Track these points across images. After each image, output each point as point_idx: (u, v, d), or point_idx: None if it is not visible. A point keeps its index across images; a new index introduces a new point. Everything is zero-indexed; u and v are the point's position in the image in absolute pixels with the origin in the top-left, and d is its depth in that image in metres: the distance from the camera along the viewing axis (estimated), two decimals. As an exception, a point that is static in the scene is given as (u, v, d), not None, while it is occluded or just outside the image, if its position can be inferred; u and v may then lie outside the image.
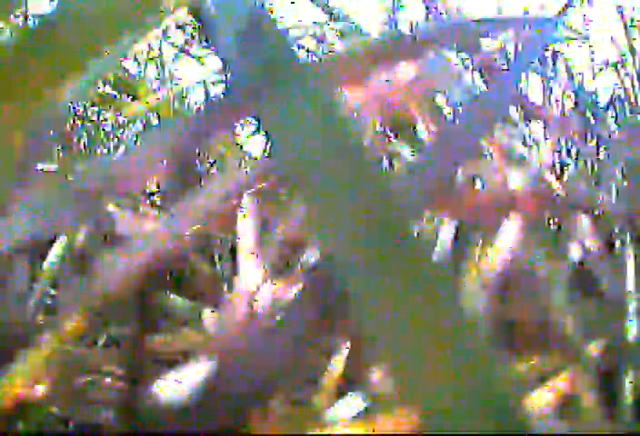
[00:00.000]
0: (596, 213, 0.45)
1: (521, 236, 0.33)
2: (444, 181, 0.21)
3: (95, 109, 0.90)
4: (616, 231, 0.44)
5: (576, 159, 0.73)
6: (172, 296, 0.41)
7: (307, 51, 0.77)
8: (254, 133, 0.79)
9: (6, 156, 0.20)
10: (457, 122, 0.25)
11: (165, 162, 0.19)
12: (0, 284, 0.38)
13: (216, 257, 0.55)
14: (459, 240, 0.35)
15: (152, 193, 0.67)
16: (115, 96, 0.79)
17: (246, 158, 0.66)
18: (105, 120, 0.91)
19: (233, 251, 0.54)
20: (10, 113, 0.19)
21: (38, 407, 0.34)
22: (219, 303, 0.36)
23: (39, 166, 0.45)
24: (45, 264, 0.42)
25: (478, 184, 0.38)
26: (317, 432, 0.28)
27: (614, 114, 0.79)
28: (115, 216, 0.41)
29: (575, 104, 0.76)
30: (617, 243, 0.44)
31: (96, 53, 0.20)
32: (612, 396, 0.33)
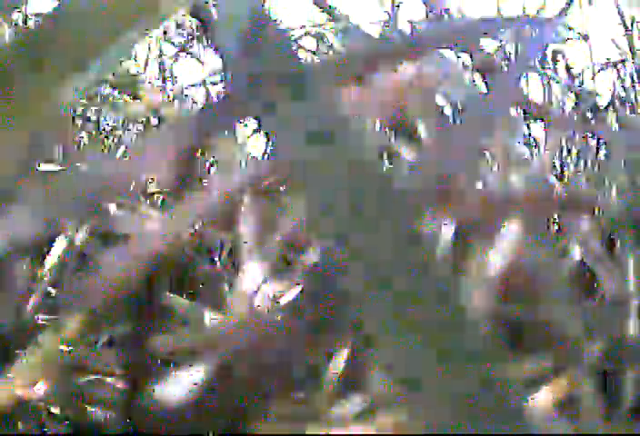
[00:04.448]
0: (596, 213, 0.45)
1: (521, 236, 0.33)
2: (444, 181, 0.21)
3: (95, 109, 0.90)
4: (616, 231, 0.44)
5: (576, 159, 0.73)
6: (172, 296, 0.41)
7: (307, 51, 0.77)
8: (254, 133, 0.79)
9: (7, 156, 0.20)
10: (457, 122, 0.25)
11: (165, 162, 0.19)
12: (0, 284, 0.38)
13: (216, 257, 0.55)
14: (459, 240, 0.35)
15: (152, 193, 0.67)
16: (115, 96, 0.79)
17: (246, 158, 0.66)
18: (105, 120, 0.91)
19: (233, 251, 0.54)
20: (10, 114, 0.19)
21: (38, 407, 0.34)
22: (219, 303, 0.36)
23: (39, 166, 0.44)
24: (45, 264, 0.42)
25: (478, 184, 0.38)
26: (317, 432, 0.28)
27: (614, 114, 0.79)
28: (115, 216, 0.41)
29: (575, 104, 0.76)
30: (617, 243, 0.44)
31: (96, 53, 0.20)
32: (612, 396, 0.33)
